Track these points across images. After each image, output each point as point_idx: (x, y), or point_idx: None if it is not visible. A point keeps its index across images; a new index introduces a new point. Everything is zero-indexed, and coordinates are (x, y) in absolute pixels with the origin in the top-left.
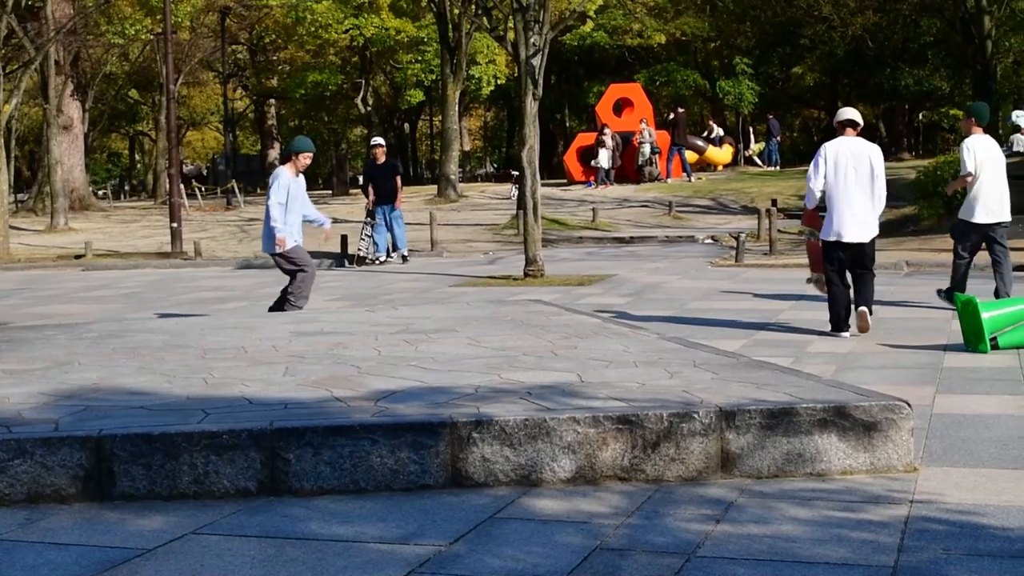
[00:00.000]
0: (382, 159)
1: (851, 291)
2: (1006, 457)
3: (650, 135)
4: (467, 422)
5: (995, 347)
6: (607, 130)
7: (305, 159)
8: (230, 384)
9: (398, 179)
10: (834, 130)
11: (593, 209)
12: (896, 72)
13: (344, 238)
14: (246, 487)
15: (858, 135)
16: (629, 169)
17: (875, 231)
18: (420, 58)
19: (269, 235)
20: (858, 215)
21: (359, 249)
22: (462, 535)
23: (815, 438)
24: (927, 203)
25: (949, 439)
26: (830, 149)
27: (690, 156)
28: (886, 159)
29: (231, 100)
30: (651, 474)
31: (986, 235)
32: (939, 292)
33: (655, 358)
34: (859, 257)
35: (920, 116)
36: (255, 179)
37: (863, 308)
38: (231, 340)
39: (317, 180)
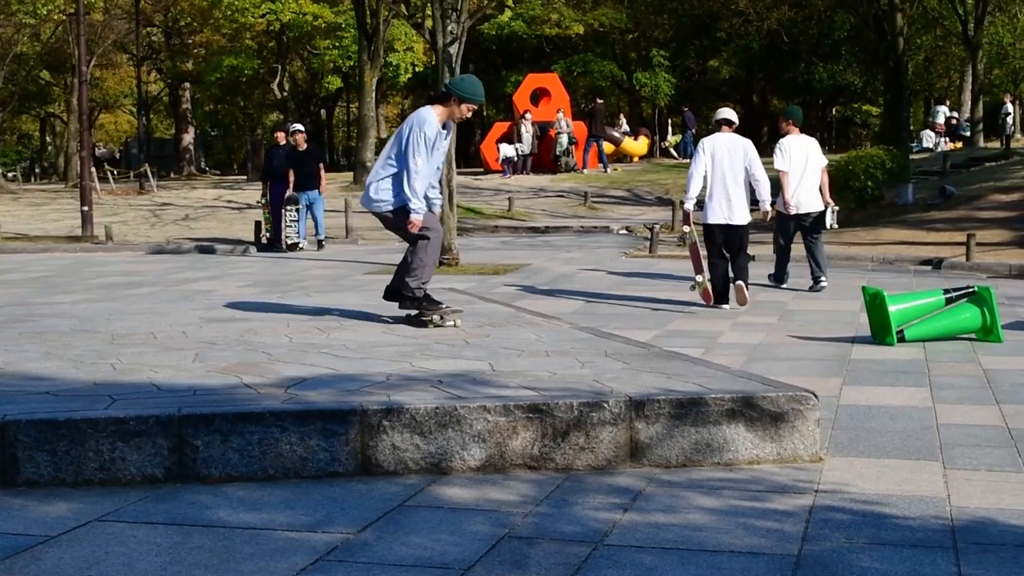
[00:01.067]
0: (303, 145)
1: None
2: (909, 448)
3: (567, 125)
4: (377, 410)
5: (902, 340)
6: (528, 115)
7: (468, 110)
8: (138, 370)
9: (321, 166)
10: (755, 124)
11: (509, 198)
12: (810, 67)
13: (258, 224)
14: (153, 474)
15: (733, 132)
16: (546, 159)
17: (748, 216)
18: (337, 44)
19: (397, 196)
20: (732, 201)
21: (287, 236)
22: (371, 523)
23: (723, 428)
24: (839, 196)
25: (855, 430)
26: (707, 144)
27: (607, 147)
28: None
29: (145, 83)
30: (561, 463)
31: (800, 225)
32: (769, 276)
33: (567, 348)
34: (735, 238)
35: (834, 111)
36: (169, 163)
37: (740, 282)
38: (140, 325)
39: (232, 166)
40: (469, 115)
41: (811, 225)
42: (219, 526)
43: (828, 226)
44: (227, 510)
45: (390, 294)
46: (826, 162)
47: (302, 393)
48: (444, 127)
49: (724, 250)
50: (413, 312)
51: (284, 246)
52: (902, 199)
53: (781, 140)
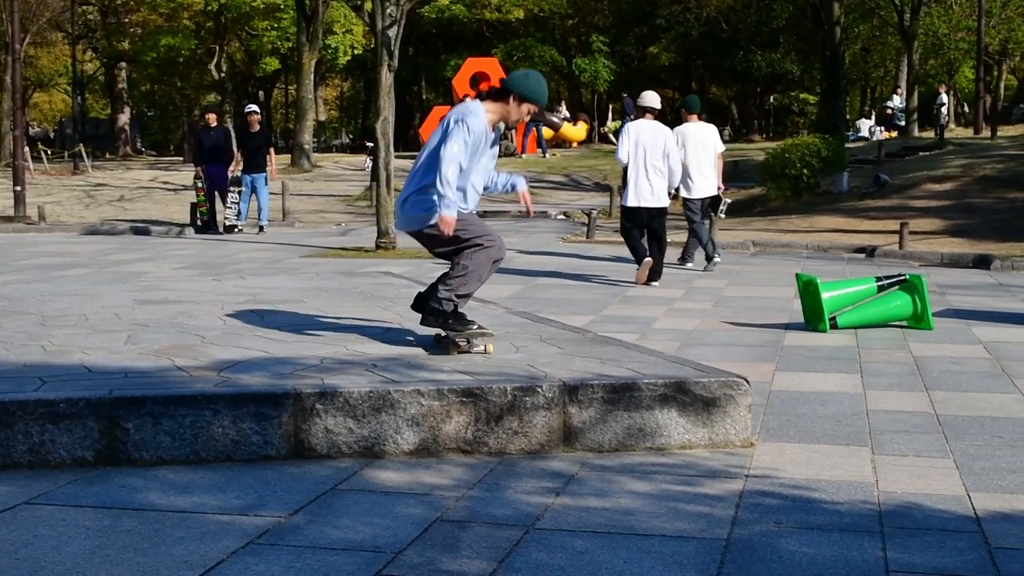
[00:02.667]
0: (256, 127)
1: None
2: (839, 434)
3: None
4: (311, 393)
5: (834, 327)
6: (467, 99)
7: (528, 112)
8: (69, 352)
9: (271, 149)
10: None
11: None
12: (749, 55)
13: (193, 206)
14: (83, 457)
15: (656, 119)
16: None
17: (666, 200)
18: (276, 25)
19: (422, 205)
20: (653, 185)
21: (226, 218)
22: (303, 506)
23: (656, 413)
24: (775, 184)
25: (786, 415)
26: (632, 129)
27: (545, 132)
28: (737, 140)
29: (80, 62)
30: (494, 447)
31: (703, 206)
32: (705, 264)
33: (502, 332)
34: (653, 220)
35: (771, 99)
36: (104, 144)
37: (649, 258)
38: (72, 307)
39: (169, 147)
40: (527, 119)
41: (702, 209)
42: (149, 509)
43: (718, 214)
44: (158, 493)
45: (418, 303)
46: (723, 149)
47: (235, 376)
48: (494, 129)
49: (644, 230)
50: (443, 333)
51: (221, 228)
52: (837, 187)
53: (676, 128)
